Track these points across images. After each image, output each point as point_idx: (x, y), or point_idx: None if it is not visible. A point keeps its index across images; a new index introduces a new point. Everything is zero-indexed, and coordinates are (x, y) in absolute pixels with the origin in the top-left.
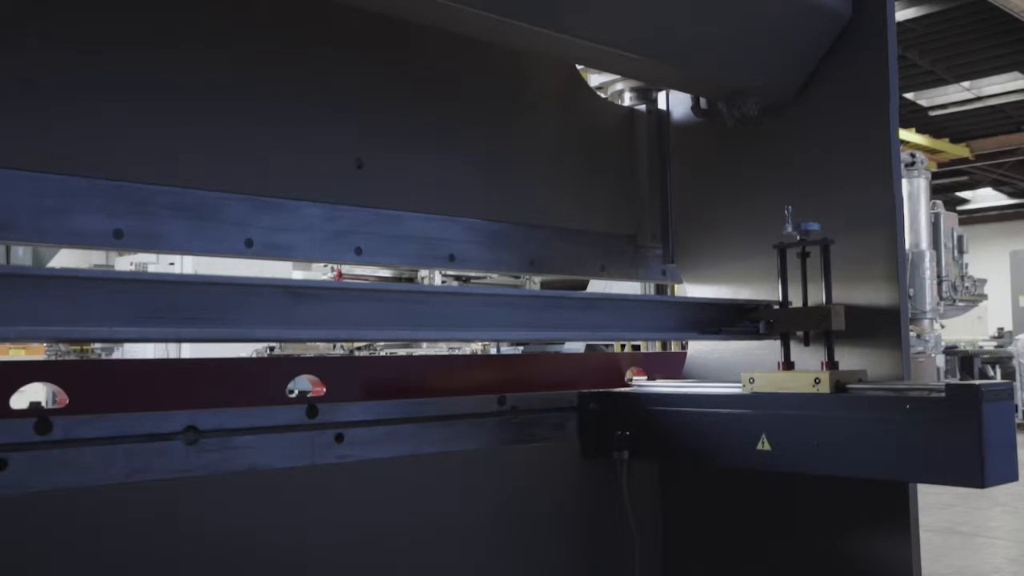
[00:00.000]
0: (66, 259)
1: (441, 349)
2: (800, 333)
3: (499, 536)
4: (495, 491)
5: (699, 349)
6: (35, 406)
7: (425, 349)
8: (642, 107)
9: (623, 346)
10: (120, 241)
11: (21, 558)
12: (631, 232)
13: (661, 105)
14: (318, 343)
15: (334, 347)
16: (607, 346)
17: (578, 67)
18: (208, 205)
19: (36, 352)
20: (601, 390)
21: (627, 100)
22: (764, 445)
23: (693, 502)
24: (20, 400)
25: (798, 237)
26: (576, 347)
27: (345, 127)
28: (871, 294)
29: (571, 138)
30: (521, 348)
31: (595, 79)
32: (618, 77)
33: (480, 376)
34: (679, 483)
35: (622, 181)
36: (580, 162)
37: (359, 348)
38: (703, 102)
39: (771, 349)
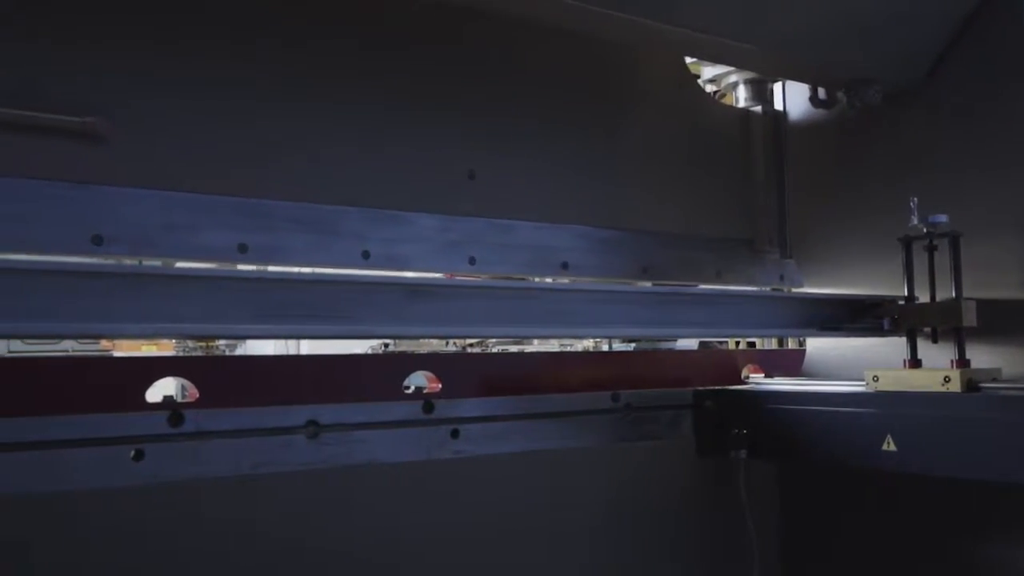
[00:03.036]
0: None
1: (552, 346)
2: (928, 330)
3: (612, 534)
4: (609, 488)
5: (818, 346)
6: (168, 400)
7: (536, 346)
8: (757, 108)
9: (738, 343)
10: (244, 255)
11: (153, 544)
12: (747, 236)
13: (777, 102)
14: (431, 340)
15: (447, 344)
16: (721, 343)
17: (689, 64)
18: (327, 219)
19: (166, 348)
20: (717, 388)
21: (741, 92)
22: (889, 446)
23: (814, 503)
24: (154, 394)
25: (925, 230)
26: (689, 344)
27: (458, 138)
28: (1006, 288)
29: (684, 141)
30: (633, 345)
31: (708, 71)
32: (732, 69)
33: (593, 373)
34: (799, 483)
35: (737, 184)
36: (693, 166)
37: (471, 345)
38: (822, 92)
39: (895, 347)
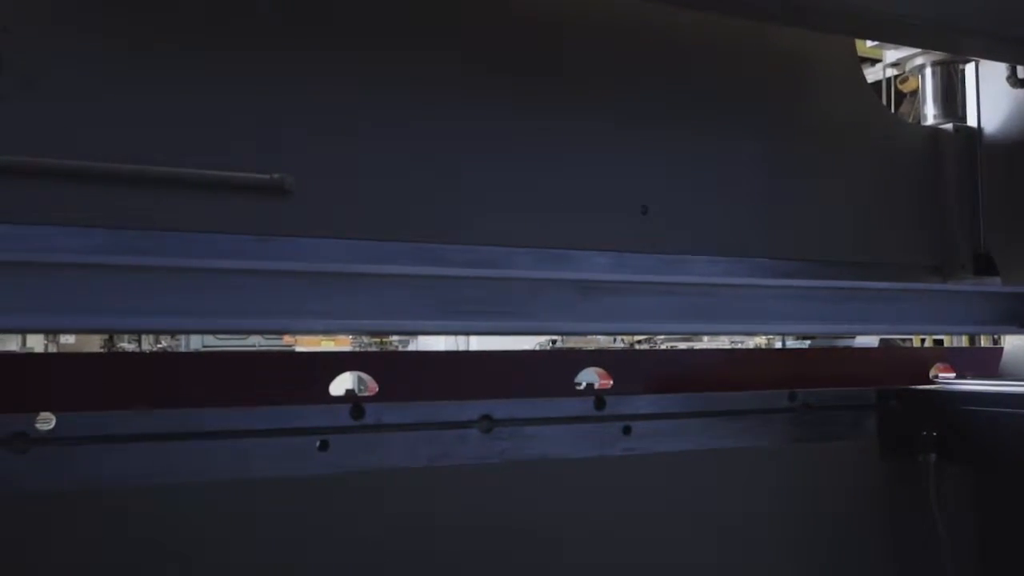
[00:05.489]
0: None
1: (722, 343)
2: None
3: (788, 536)
4: (784, 490)
5: (1017, 344)
6: (350, 393)
7: (706, 343)
8: (948, 126)
9: (923, 341)
10: None
11: (336, 529)
12: (936, 263)
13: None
14: (599, 336)
15: (614, 340)
16: (904, 341)
17: (870, 48)
18: (499, 261)
19: (343, 343)
20: (903, 387)
21: (928, 75)
22: None
23: (1016, 512)
24: (336, 388)
25: None
26: (869, 341)
27: (631, 173)
28: None
29: (867, 166)
30: (808, 343)
31: (891, 54)
32: (918, 51)
33: (767, 371)
34: (998, 490)
35: (924, 208)
36: (875, 191)
37: (639, 341)
38: (1020, 71)
39: None
